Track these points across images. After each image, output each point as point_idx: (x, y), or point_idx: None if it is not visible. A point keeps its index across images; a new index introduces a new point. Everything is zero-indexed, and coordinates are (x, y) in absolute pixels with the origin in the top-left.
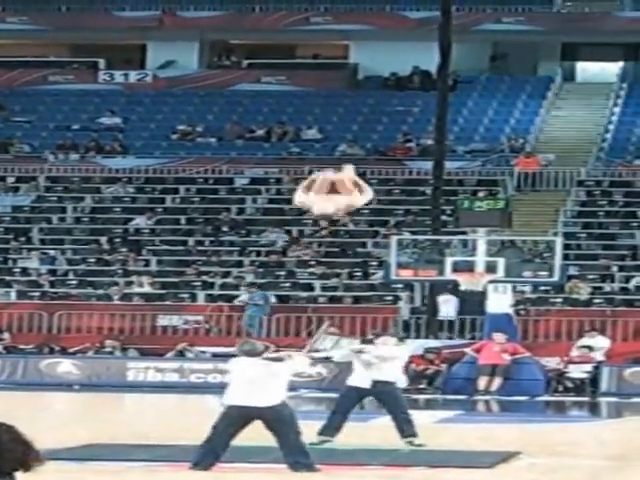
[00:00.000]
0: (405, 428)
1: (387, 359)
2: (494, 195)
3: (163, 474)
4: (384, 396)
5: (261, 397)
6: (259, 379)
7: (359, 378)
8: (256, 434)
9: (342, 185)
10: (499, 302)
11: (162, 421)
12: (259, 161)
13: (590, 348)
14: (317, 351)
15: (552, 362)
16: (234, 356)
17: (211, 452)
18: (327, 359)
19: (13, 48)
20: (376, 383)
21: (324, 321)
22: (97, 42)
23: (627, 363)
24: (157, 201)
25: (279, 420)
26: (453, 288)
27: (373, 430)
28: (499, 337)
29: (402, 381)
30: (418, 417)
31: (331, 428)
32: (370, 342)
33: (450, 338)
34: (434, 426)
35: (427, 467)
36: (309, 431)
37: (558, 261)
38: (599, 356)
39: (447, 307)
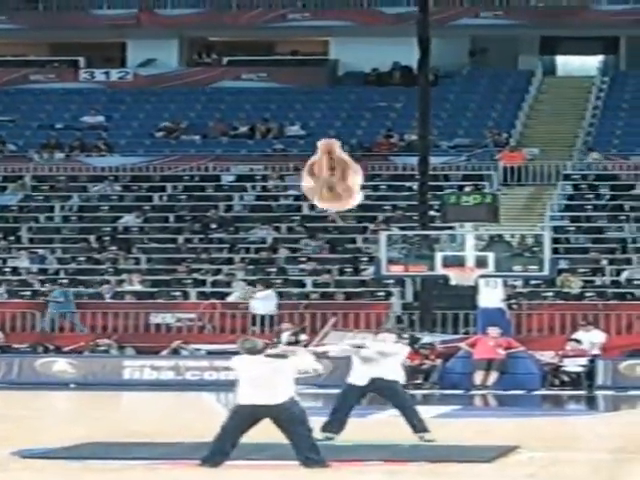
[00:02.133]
0: (416, 423)
1: (387, 355)
2: (480, 190)
3: (162, 472)
4: (386, 393)
5: (269, 395)
6: (265, 377)
7: (358, 376)
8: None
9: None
10: (491, 296)
11: (159, 419)
12: (244, 158)
13: (578, 342)
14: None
15: (547, 356)
16: (233, 353)
17: (220, 450)
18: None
19: None
20: (375, 380)
21: (317, 317)
22: (76, 41)
23: (622, 356)
24: (144, 199)
25: (289, 418)
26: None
27: (372, 425)
28: (494, 331)
29: (402, 377)
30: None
31: (334, 425)
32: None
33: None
34: (432, 421)
35: (427, 462)
36: None
37: (547, 255)
38: (595, 350)
39: (265, 304)
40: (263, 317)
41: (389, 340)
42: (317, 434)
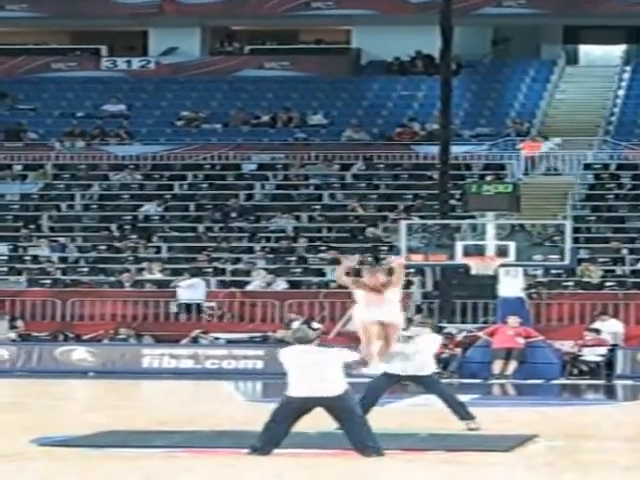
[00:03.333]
0: (459, 411)
1: (420, 350)
2: (502, 179)
3: (182, 460)
4: (421, 383)
5: (321, 387)
6: (314, 367)
7: (391, 365)
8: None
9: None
10: (511, 286)
11: (178, 407)
12: (265, 147)
13: (597, 331)
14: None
15: (566, 345)
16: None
17: (271, 440)
18: None
19: (14, 36)
20: (407, 373)
21: (337, 306)
22: (98, 29)
23: None
24: (165, 188)
25: (341, 408)
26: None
27: (391, 414)
28: (514, 320)
29: (433, 367)
30: (435, 401)
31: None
32: None
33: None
34: None
35: (445, 451)
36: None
37: (568, 244)
38: (613, 339)
39: (189, 292)
40: (189, 305)
41: (424, 334)
42: None
